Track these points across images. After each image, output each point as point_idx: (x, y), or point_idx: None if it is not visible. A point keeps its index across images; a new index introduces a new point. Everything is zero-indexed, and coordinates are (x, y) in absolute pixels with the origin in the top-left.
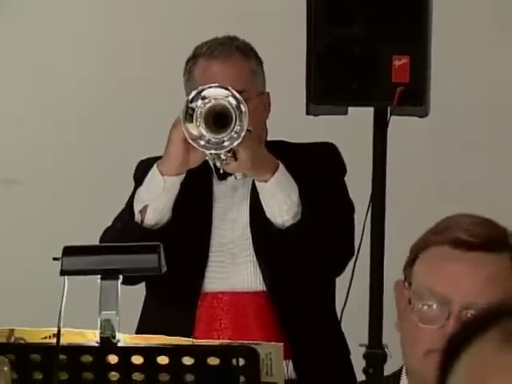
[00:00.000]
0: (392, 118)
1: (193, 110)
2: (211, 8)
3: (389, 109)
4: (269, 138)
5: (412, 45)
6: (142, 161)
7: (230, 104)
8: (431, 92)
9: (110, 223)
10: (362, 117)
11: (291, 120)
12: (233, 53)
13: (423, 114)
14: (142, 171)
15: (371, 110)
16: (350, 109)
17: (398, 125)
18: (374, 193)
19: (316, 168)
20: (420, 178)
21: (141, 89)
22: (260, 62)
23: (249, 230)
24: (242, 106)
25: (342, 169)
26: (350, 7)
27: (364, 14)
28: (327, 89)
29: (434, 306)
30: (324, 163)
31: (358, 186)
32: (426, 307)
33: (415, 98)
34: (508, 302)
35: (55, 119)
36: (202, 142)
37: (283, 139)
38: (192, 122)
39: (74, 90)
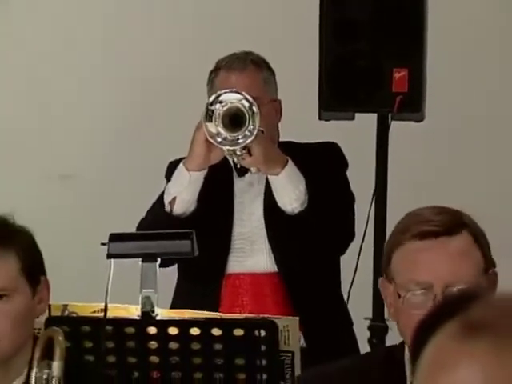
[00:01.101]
0: (392, 122)
1: (212, 111)
2: (241, 28)
3: (390, 115)
4: (284, 140)
5: (410, 59)
6: (171, 162)
7: (244, 106)
8: (427, 100)
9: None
10: (366, 121)
11: (305, 124)
12: (247, 65)
13: (420, 119)
14: (171, 170)
15: (375, 115)
16: (357, 114)
17: (397, 128)
18: (376, 187)
19: (320, 164)
20: (416, 174)
21: (177, 97)
22: (272, 73)
23: (263, 220)
24: (253, 108)
25: (343, 164)
26: (356, 26)
27: (368, 32)
28: (336, 97)
29: (420, 293)
30: (327, 159)
31: (362, 181)
32: (413, 296)
33: (413, 106)
34: (467, 294)
35: (106, 120)
36: (219, 139)
37: (292, 140)
38: (211, 121)
39: (126, 91)
